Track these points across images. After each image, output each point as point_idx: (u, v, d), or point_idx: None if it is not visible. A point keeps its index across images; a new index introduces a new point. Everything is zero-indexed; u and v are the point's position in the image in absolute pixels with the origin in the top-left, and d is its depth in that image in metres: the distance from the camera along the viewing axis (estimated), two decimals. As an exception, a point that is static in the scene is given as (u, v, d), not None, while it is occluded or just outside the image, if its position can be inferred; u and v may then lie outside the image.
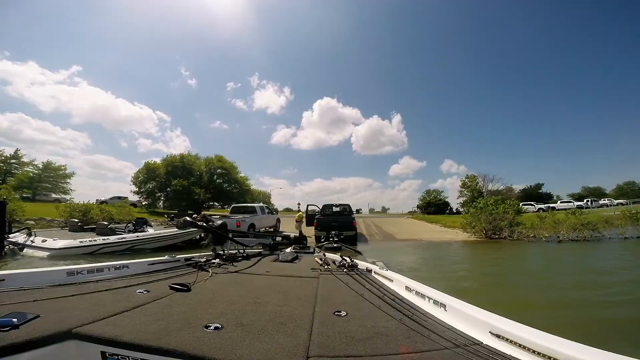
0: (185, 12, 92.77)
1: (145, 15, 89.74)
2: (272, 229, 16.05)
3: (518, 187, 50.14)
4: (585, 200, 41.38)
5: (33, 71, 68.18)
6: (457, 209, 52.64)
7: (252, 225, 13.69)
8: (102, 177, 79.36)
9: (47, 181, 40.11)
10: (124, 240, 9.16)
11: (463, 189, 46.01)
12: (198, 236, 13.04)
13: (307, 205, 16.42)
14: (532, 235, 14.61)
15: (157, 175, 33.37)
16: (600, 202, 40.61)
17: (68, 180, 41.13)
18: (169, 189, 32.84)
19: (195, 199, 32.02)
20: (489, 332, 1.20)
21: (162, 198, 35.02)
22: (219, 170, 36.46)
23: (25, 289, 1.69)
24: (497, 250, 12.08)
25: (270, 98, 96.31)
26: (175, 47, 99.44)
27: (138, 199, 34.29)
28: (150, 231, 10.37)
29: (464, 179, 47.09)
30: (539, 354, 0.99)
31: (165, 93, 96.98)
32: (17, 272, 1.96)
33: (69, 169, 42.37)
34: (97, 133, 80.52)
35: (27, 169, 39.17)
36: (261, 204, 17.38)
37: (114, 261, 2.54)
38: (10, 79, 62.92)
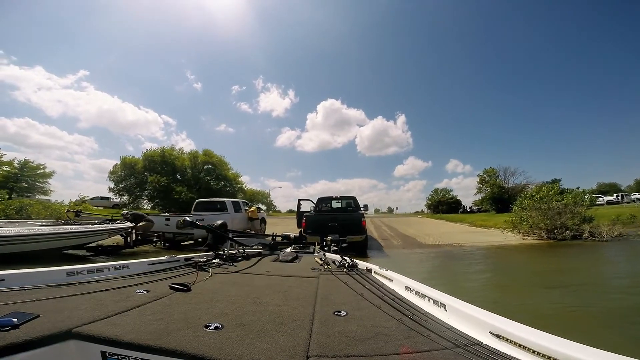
0: (192, 17, 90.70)
1: (152, 20, 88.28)
2: (253, 231, 12.02)
3: (534, 182, 45.64)
4: (615, 195, 40.31)
5: (40, 76, 67.44)
6: (471, 207, 48.38)
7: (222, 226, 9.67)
8: (108, 181, 77.63)
9: (25, 181, 36.93)
10: None
11: (481, 185, 40.92)
12: (130, 238, 9.06)
13: (299, 200, 12.27)
14: (617, 233, 10.42)
15: (136, 171, 29.61)
16: (632, 196, 38.25)
17: (48, 180, 37.99)
18: (148, 186, 29.03)
19: (176, 198, 27.91)
20: (489, 332, 1.15)
21: (144, 197, 31.38)
22: (206, 166, 32.41)
23: (25, 289, 1.63)
24: None
25: (274, 101, 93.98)
26: (181, 51, 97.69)
27: (109, 196, 30.74)
28: None
29: (481, 173, 41.98)
30: (539, 354, 0.96)
31: (171, 97, 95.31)
32: (17, 272, 1.88)
33: (76, 173, 39.43)
34: (103, 137, 79.78)
35: (6, 168, 36.07)
36: (237, 200, 13.26)
37: (114, 261, 2.40)
38: (17, 84, 61.60)
